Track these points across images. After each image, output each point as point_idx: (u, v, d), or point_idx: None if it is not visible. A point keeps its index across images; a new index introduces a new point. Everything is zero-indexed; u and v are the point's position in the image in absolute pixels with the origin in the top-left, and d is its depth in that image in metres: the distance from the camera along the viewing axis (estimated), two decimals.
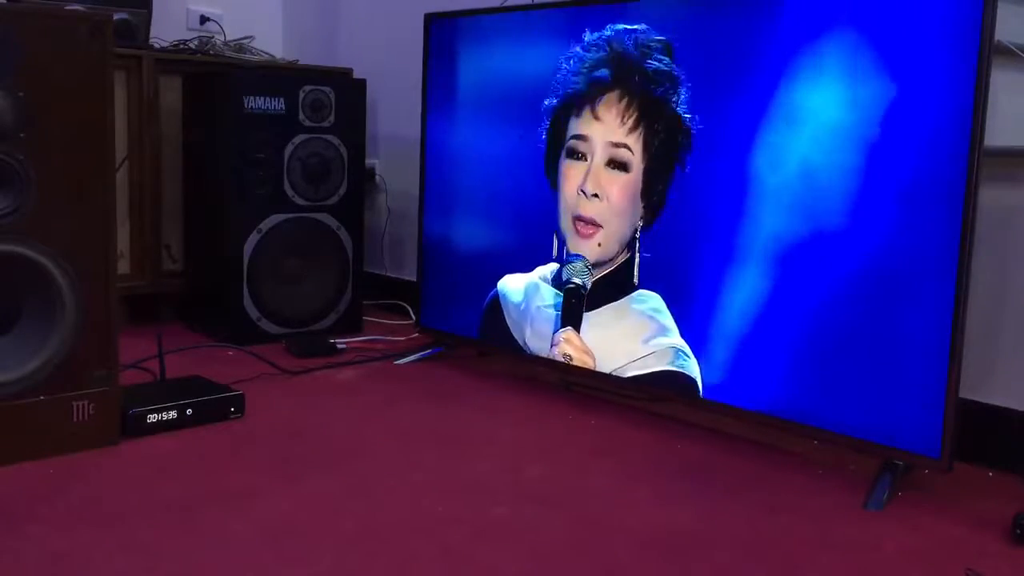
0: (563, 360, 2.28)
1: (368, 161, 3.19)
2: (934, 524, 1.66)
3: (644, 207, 2.13)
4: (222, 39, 3.23)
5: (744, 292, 1.96)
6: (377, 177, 3.40)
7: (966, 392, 1.84)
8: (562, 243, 2.29)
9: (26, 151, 1.73)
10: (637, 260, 2.15)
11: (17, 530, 1.50)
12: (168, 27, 3.26)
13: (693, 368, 2.04)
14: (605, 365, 2.20)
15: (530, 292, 2.37)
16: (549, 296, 2.32)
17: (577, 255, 2.23)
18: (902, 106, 1.72)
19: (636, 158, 2.12)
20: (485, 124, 2.48)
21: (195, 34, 3.30)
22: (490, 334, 2.49)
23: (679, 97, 2.04)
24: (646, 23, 2.10)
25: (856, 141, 1.78)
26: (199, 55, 3.03)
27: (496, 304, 2.46)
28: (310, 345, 2.69)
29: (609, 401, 2.29)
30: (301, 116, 2.79)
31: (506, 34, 2.41)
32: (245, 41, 3.21)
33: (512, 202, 2.42)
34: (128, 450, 1.86)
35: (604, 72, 2.16)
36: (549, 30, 2.30)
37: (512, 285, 2.43)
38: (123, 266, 2.85)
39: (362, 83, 2.94)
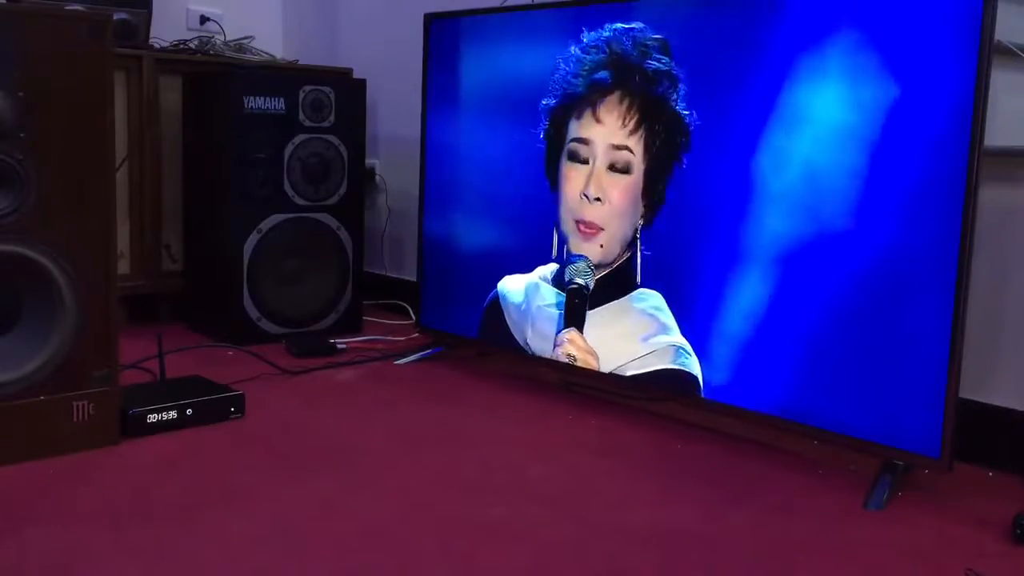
0: (567, 361, 2.27)
1: (368, 161, 3.19)
2: (934, 524, 1.66)
3: (644, 206, 2.13)
4: (222, 39, 3.23)
5: (744, 291, 1.96)
6: (377, 177, 3.40)
7: (966, 392, 1.84)
8: (562, 243, 2.29)
9: (26, 151, 1.73)
10: (638, 259, 2.15)
11: (17, 530, 1.50)
12: (168, 27, 3.26)
13: (694, 366, 2.04)
14: (607, 364, 2.20)
15: (530, 292, 2.37)
16: (550, 296, 2.32)
17: (580, 255, 2.23)
18: (902, 106, 1.72)
19: (637, 160, 2.12)
20: (485, 124, 2.48)
21: (195, 34, 3.30)
22: (490, 335, 2.49)
23: (678, 95, 2.04)
24: (644, 21, 2.10)
25: (856, 141, 1.78)
26: (199, 55, 3.03)
27: (496, 305, 2.46)
28: (310, 345, 2.69)
29: (609, 401, 2.29)
30: (301, 116, 2.79)
31: (506, 34, 2.41)
32: (245, 41, 3.21)
33: (512, 202, 2.42)
34: (128, 450, 1.86)
35: (604, 74, 2.16)
36: (549, 30, 2.30)
37: (512, 286, 2.43)
38: (123, 266, 2.85)
39: (362, 83, 2.94)
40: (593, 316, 2.23)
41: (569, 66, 2.24)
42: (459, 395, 2.36)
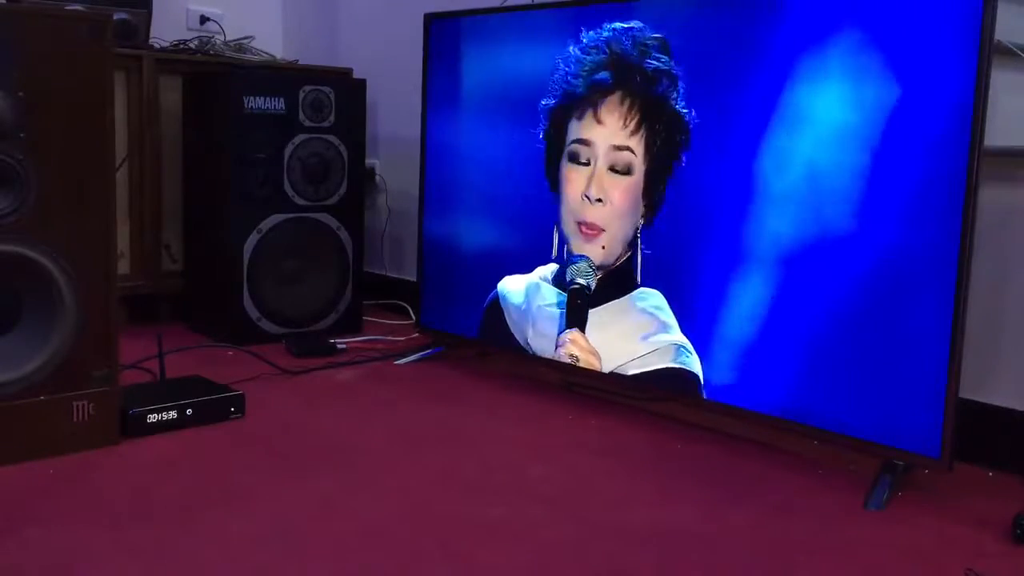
0: (570, 361, 2.27)
1: (368, 161, 3.19)
2: (934, 524, 1.66)
3: (645, 205, 2.13)
4: (222, 39, 3.23)
5: (744, 291, 1.96)
6: (377, 177, 3.40)
7: (966, 392, 1.84)
8: (562, 243, 2.29)
9: (26, 151, 1.73)
10: (639, 258, 2.15)
11: (17, 530, 1.50)
12: (168, 27, 3.26)
13: (695, 364, 2.04)
14: (608, 364, 2.20)
15: (531, 292, 2.37)
16: (551, 295, 2.32)
17: (581, 255, 2.23)
18: (902, 106, 1.72)
19: (638, 160, 2.12)
20: (485, 124, 2.48)
21: (195, 34, 3.30)
22: (491, 335, 2.49)
23: (678, 94, 2.04)
24: (643, 21, 2.10)
25: (854, 140, 1.78)
26: (199, 55, 3.03)
27: (496, 305, 2.46)
28: (310, 345, 2.69)
29: (609, 401, 2.29)
30: (301, 116, 2.79)
31: (506, 34, 2.41)
32: (245, 41, 3.21)
33: (512, 202, 2.42)
34: (128, 450, 1.86)
35: (605, 75, 2.16)
36: (549, 30, 2.30)
37: (512, 286, 2.43)
38: (123, 266, 2.85)
39: (362, 83, 2.94)
40: (593, 316, 2.23)
41: (569, 67, 2.24)
42: (459, 395, 2.36)
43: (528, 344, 2.38)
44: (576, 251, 2.24)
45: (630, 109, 2.12)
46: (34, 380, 1.78)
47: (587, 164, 2.20)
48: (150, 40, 3.00)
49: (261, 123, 2.73)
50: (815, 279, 1.85)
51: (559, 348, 2.29)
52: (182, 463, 1.81)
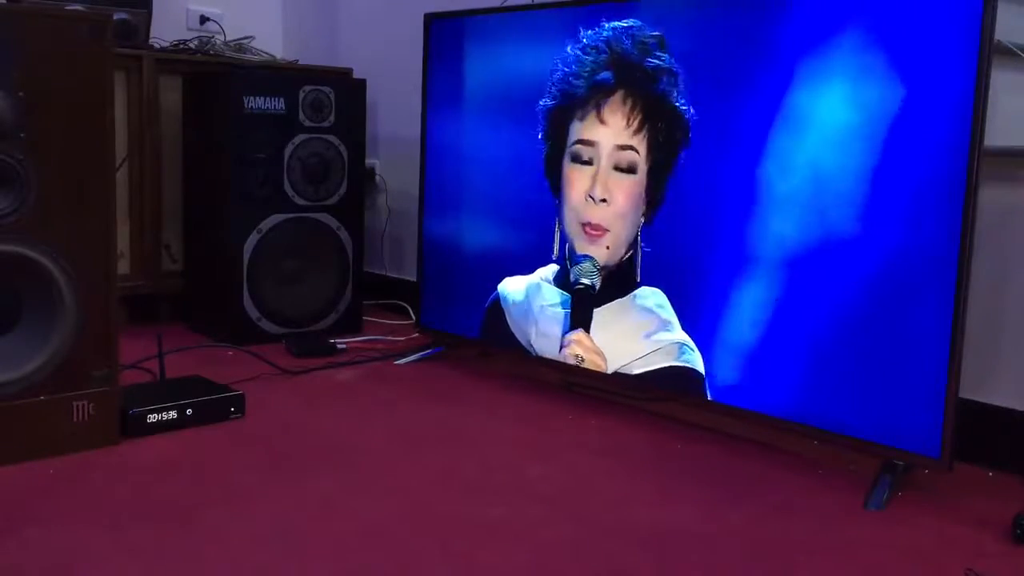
0: (575, 362, 2.26)
1: (368, 161, 3.19)
2: (934, 524, 1.66)
3: (646, 204, 2.13)
4: (222, 39, 3.23)
5: (744, 289, 1.96)
6: (377, 177, 3.40)
7: (966, 392, 1.84)
8: (563, 244, 2.29)
9: (26, 151, 1.73)
10: (639, 256, 2.15)
11: (17, 530, 1.50)
12: (168, 27, 3.26)
13: (698, 361, 2.04)
14: (613, 364, 2.20)
15: (532, 293, 2.37)
16: (553, 296, 2.32)
17: (585, 255, 2.23)
18: (902, 107, 1.72)
19: (642, 159, 2.12)
20: (485, 124, 2.48)
21: (195, 34, 3.30)
22: (492, 336, 2.49)
23: (678, 91, 2.04)
24: (643, 19, 2.10)
25: (856, 140, 1.78)
26: (199, 55, 3.03)
27: (497, 306, 2.46)
28: (310, 345, 2.69)
29: (609, 401, 2.29)
30: (301, 116, 2.79)
31: (506, 34, 2.41)
32: (245, 41, 3.21)
33: (512, 202, 2.42)
34: (128, 450, 1.86)
35: (607, 75, 2.16)
36: (549, 29, 2.30)
37: (513, 287, 2.43)
38: (123, 266, 2.85)
39: (362, 83, 2.94)
40: (596, 315, 2.23)
41: (569, 67, 2.24)
42: (459, 395, 2.36)
43: (531, 345, 2.38)
44: (580, 252, 2.24)
45: (633, 108, 2.12)
46: (34, 380, 1.78)
47: (591, 164, 2.20)
48: (150, 40, 3.00)
49: (261, 123, 2.73)
50: (816, 279, 1.85)
51: (564, 349, 2.29)
52: (182, 463, 1.81)
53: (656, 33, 2.08)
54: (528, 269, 2.38)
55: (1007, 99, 1.83)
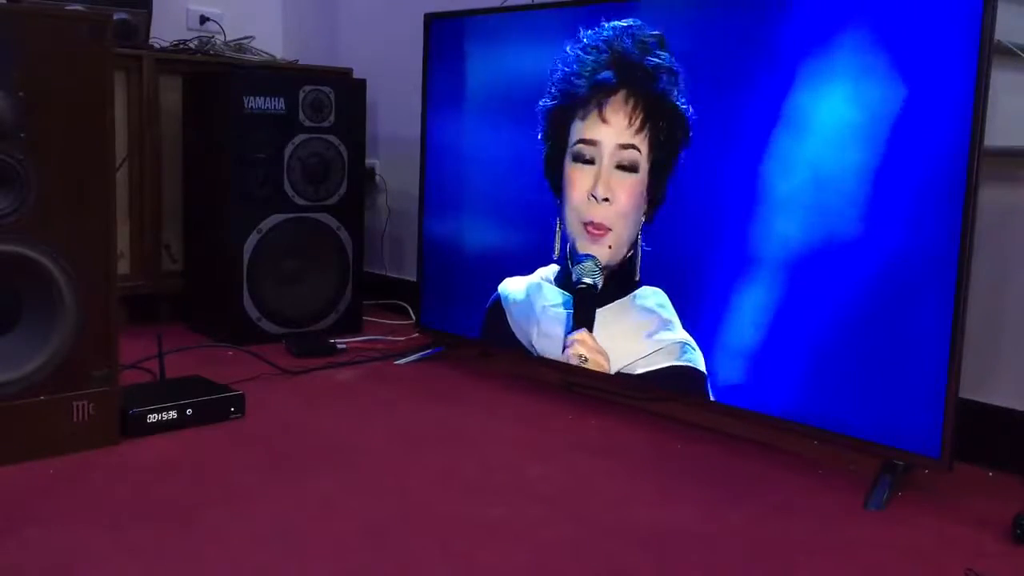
0: (578, 362, 2.26)
1: (368, 161, 3.19)
2: (934, 524, 1.66)
3: (647, 203, 2.13)
4: (222, 39, 3.23)
5: (745, 292, 1.96)
6: (377, 177, 3.40)
7: (966, 392, 1.84)
8: (564, 244, 2.29)
9: (26, 151, 1.73)
10: (639, 255, 2.15)
11: (17, 530, 1.50)
12: (168, 27, 3.26)
13: (700, 361, 2.04)
14: (616, 364, 2.20)
15: (533, 293, 2.37)
16: (555, 296, 2.32)
17: (587, 254, 2.22)
18: (901, 107, 1.72)
19: (643, 158, 2.12)
20: (485, 124, 2.48)
21: (195, 34, 3.30)
22: (493, 337, 2.48)
23: (678, 90, 2.04)
24: (643, 19, 2.10)
25: (856, 140, 1.78)
26: (199, 55, 3.03)
27: (498, 307, 2.46)
28: (310, 345, 2.69)
29: (609, 401, 2.29)
30: (301, 116, 2.79)
31: (506, 34, 2.41)
32: (245, 41, 3.21)
33: (512, 202, 2.42)
34: (128, 450, 1.86)
35: (608, 74, 2.16)
36: (549, 29, 2.30)
37: (513, 287, 2.43)
38: (123, 266, 2.85)
39: (362, 83, 2.94)
40: (598, 315, 2.23)
41: (569, 67, 2.24)
42: (459, 395, 2.36)
43: (532, 346, 2.38)
44: (582, 251, 2.24)
45: (635, 107, 2.12)
46: (34, 380, 1.78)
47: (593, 163, 2.20)
48: (150, 40, 3.00)
49: (261, 123, 2.73)
50: (816, 279, 1.85)
51: (567, 349, 2.29)
52: (182, 463, 1.81)
53: (656, 32, 2.08)
54: (528, 269, 2.38)
55: (1007, 99, 1.83)
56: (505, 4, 2.52)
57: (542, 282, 2.35)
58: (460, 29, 2.53)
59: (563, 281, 2.30)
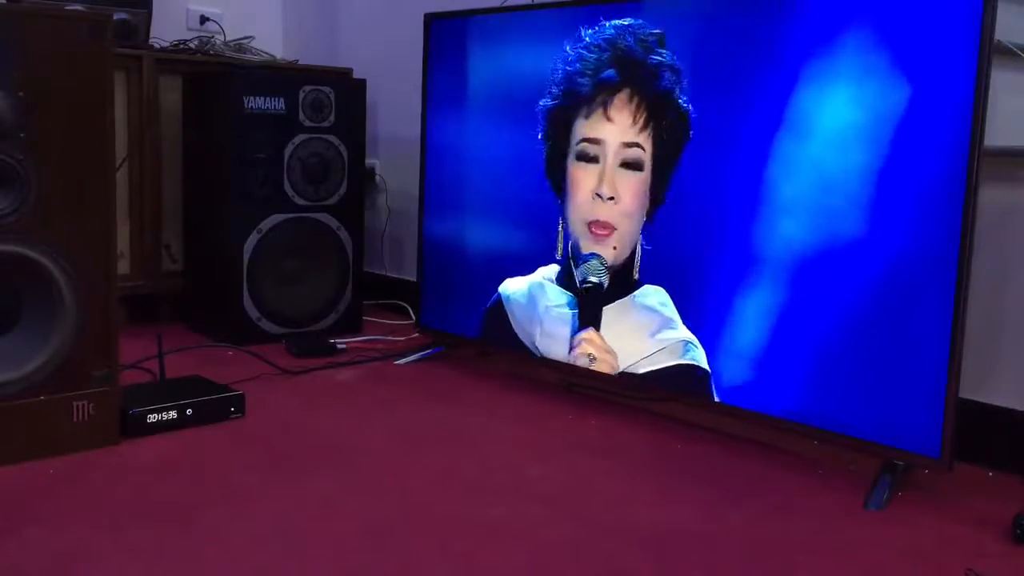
0: (587, 362, 2.25)
1: (368, 161, 3.19)
2: (934, 524, 1.66)
3: (649, 201, 2.13)
4: (222, 39, 3.23)
5: (746, 292, 1.96)
6: (377, 177, 3.40)
7: (966, 392, 1.84)
8: (567, 243, 2.28)
9: (26, 151, 1.73)
10: (638, 254, 2.15)
11: (17, 530, 1.50)
12: (168, 27, 3.26)
13: (703, 359, 2.04)
14: (623, 363, 2.19)
15: (535, 293, 2.37)
16: (558, 296, 2.31)
17: (592, 253, 2.22)
18: (902, 107, 1.72)
19: (647, 156, 2.12)
20: (485, 124, 2.48)
21: (195, 34, 3.30)
22: (494, 337, 2.48)
23: (680, 88, 2.04)
24: (644, 18, 2.10)
25: (858, 141, 1.78)
26: (199, 55, 3.03)
27: (499, 307, 2.46)
28: (310, 345, 2.69)
29: (609, 401, 2.29)
30: (301, 116, 2.79)
31: (506, 34, 2.41)
32: (245, 41, 3.21)
33: (512, 202, 2.42)
34: (128, 450, 1.86)
35: (611, 72, 2.16)
36: (550, 29, 2.30)
37: (515, 288, 2.43)
38: (123, 266, 2.85)
39: (362, 83, 2.94)
40: (603, 315, 2.23)
41: (572, 66, 2.24)
42: (459, 395, 2.36)
43: (535, 346, 2.37)
44: (585, 251, 2.23)
45: (639, 106, 2.12)
46: (34, 380, 1.78)
47: (597, 162, 2.19)
48: (150, 40, 3.00)
49: (261, 123, 2.73)
50: (817, 282, 1.85)
51: (574, 349, 2.28)
52: (182, 463, 1.81)
53: (657, 31, 2.08)
54: (528, 269, 2.38)
55: (1007, 99, 1.83)
56: (505, 4, 2.52)
57: (544, 282, 2.35)
58: (460, 29, 2.53)
59: (565, 281, 2.30)
